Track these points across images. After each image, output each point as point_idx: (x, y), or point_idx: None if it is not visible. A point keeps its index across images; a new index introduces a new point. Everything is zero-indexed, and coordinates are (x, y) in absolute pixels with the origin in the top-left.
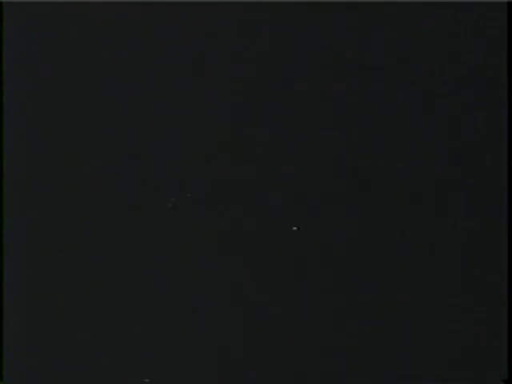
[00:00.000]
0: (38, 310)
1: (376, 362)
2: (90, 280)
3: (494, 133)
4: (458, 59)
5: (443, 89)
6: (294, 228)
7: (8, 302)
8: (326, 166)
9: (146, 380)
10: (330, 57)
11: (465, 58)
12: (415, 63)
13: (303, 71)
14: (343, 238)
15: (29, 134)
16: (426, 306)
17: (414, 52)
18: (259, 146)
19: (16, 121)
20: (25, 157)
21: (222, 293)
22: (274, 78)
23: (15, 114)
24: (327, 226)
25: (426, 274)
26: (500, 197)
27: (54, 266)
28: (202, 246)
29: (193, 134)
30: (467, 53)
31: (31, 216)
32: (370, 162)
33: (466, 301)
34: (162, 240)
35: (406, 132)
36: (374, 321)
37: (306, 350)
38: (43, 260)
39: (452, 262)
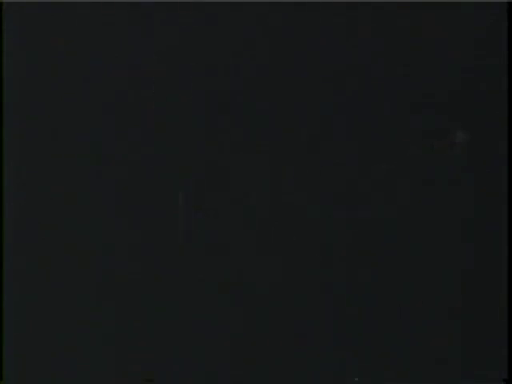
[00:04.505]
0: (39, 310)
1: (375, 362)
2: (91, 280)
3: (493, 133)
4: (457, 59)
5: (442, 89)
6: None
7: (8, 301)
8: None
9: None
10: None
11: (465, 58)
12: (414, 64)
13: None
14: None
15: (29, 135)
16: (426, 306)
17: (413, 52)
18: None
19: (16, 121)
20: (25, 157)
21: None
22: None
23: (15, 114)
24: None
25: (426, 274)
26: (500, 197)
27: (55, 266)
28: (201, 246)
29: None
30: (467, 53)
31: (31, 216)
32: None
33: (465, 300)
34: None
35: (404, 128)
36: (374, 321)
37: (305, 349)
38: (43, 260)
39: (451, 261)
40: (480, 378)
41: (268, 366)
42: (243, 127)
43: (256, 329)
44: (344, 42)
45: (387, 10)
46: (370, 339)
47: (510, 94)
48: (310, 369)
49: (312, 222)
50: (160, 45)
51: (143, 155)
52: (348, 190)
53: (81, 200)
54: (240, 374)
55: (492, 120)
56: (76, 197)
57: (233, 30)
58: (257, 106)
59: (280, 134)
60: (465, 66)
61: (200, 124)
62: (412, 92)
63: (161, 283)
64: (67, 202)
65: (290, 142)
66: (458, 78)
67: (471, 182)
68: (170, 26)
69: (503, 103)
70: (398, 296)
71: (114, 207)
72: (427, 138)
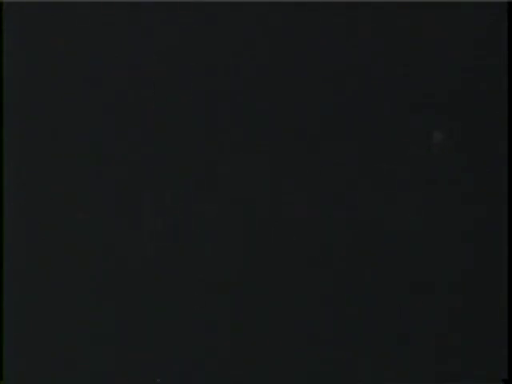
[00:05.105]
0: (39, 310)
1: (375, 362)
2: (91, 279)
3: (493, 133)
4: (457, 59)
5: (442, 89)
6: None
7: (8, 301)
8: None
9: (158, 380)
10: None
11: (465, 58)
12: (414, 64)
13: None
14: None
15: (29, 135)
16: (426, 306)
17: (413, 52)
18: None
19: (16, 121)
20: (25, 157)
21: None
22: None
23: (15, 114)
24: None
25: (426, 274)
26: (500, 197)
27: (55, 265)
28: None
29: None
30: (467, 53)
31: (31, 216)
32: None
33: (465, 300)
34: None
35: (405, 127)
36: (374, 321)
37: (304, 348)
38: (43, 260)
39: (451, 261)
40: (480, 378)
41: (268, 366)
42: (243, 127)
43: (255, 330)
44: (344, 42)
45: (387, 10)
46: (370, 339)
47: (510, 94)
48: (310, 369)
49: (312, 222)
50: (160, 45)
51: (143, 155)
52: (348, 190)
53: (81, 200)
54: (239, 374)
55: (492, 120)
56: (76, 197)
57: (233, 30)
58: (257, 106)
59: (280, 134)
60: (465, 66)
61: (200, 124)
62: (412, 92)
63: (162, 283)
64: (67, 202)
65: (290, 141)
66: (458, 77)
67: (471, 182)
68: (169, 25)
69: (503, 103)
70: (398, 296)
71: (114, 207)
72: (427, 138)
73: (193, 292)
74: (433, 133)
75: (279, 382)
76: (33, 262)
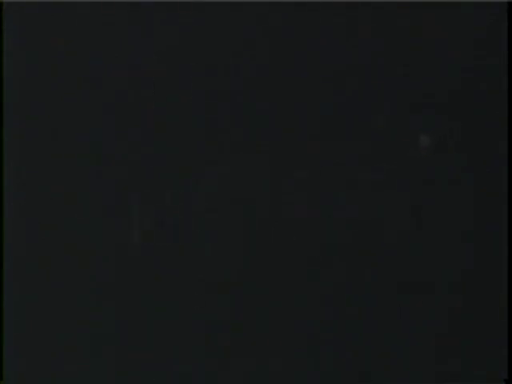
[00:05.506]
0: (39, 310)
1: (375, 362)
2: (91, 279)
3: (493, 133)
4: (457, 59)
5: (442, 89)
6: None
7: (8, 301)
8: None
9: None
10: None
11: (465, 58)
12: (414, 64)
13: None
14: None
15: (29, 135)
16: (426, 306)
17: (413, 52)
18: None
19: (16, 121)
20: (25, 157)
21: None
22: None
23: (15, 114)
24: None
25: (426, 274)
26: (500, 197)
27: (55, 265)
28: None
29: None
30: (467, 53)
31: (31, 216)
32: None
33: (465, 300)
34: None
35: (405, 127)
36: (374, 321)
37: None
38: (43, 260)
39: (451, 261)
40: (480, 378)
41: (268, 366)
42: (243, 127)
43: (255, 330)
44: (344, 42)
45: (387, 10)
46: (370, 339)
47: (510, 94)
48: (310, 369)
49: (312, 222)
50: (160, 45)
51: (143, 155)
52: (348, 190)
53: (81, 200)
54: (239, 374)
55: (492, 120)
56: (76, 197)
57: (233, 30)
58: (257, 106)
59: (280, 134)
60: (465, 66)
61: (200, 124)
62: (412, 92)
63: (162, 283)
64: (67, 202)
65: (290, 141)
66: (458, 77)
67: (471, 182)
68: (170, 25)
69: (503, 103)
70: (398, 296)
71: (114, 207)
72: (427, 138)
73: (193, 292)
74: (420, 136)
75: (279, 381)
76: (33, 261)
